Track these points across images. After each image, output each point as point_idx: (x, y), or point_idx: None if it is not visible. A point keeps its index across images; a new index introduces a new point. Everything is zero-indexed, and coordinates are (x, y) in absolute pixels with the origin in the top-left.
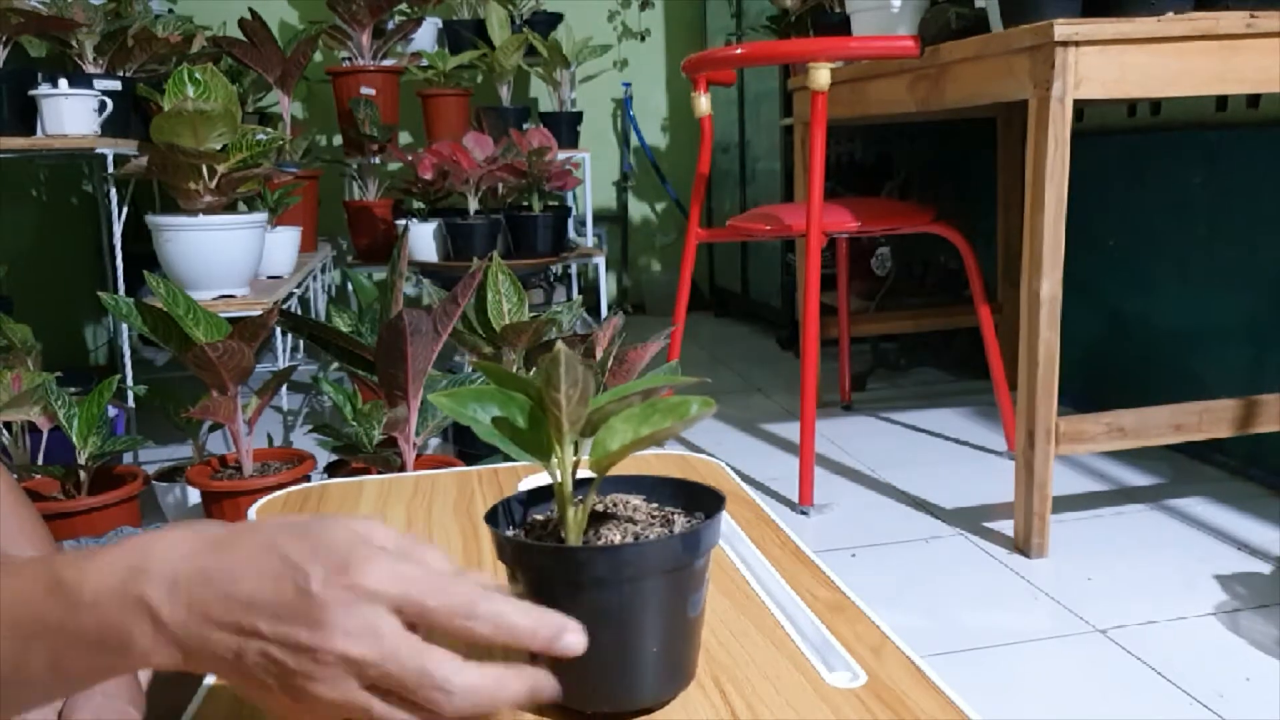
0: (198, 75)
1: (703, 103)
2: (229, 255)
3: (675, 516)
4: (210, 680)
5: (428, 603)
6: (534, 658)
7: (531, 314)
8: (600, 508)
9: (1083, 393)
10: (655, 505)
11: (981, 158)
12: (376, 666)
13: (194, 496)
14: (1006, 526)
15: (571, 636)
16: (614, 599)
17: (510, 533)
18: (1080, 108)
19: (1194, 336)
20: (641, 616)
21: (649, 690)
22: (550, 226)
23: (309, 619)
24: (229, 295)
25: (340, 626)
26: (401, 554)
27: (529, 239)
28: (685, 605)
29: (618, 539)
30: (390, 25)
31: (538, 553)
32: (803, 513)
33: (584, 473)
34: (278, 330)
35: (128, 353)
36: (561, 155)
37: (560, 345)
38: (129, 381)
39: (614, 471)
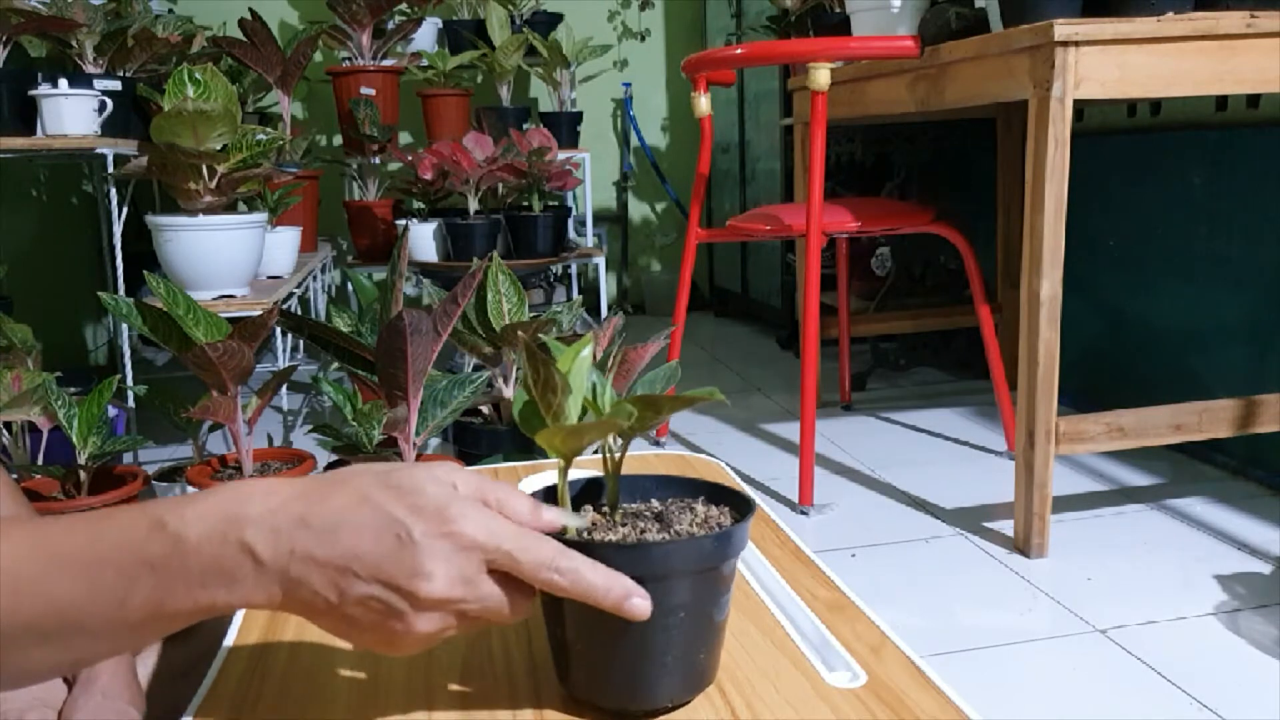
0: (198, 75)
1: (703, 103)
2: (229, 255)
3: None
4: (210, 680)
5: (517, 556)
6: (559, 652)
7: (531, 314)
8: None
9: (1082, 393)
10: (693, 503)
11: (981, 158)
12: (469, 605)
13: None
14: (1006, 526)
15: (639, 599)
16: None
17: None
18: (1080, 108)
19: (1194, 336)
20: (669, 617)
21: (669, 691)
22: (550, 226)
23: (411, 566)
24: (229, 295)
25: (440, 573)
26: (487, 503)
27: (529, 239)
28: (714, 607)
29: (655, 534)
30: (390, 25)
31: (595, 548)
32: (803, 513)
33: (586, 473)
34: (278, 330)
35: (128, 353)
36: (561, 155)
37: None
38: (129, 381)
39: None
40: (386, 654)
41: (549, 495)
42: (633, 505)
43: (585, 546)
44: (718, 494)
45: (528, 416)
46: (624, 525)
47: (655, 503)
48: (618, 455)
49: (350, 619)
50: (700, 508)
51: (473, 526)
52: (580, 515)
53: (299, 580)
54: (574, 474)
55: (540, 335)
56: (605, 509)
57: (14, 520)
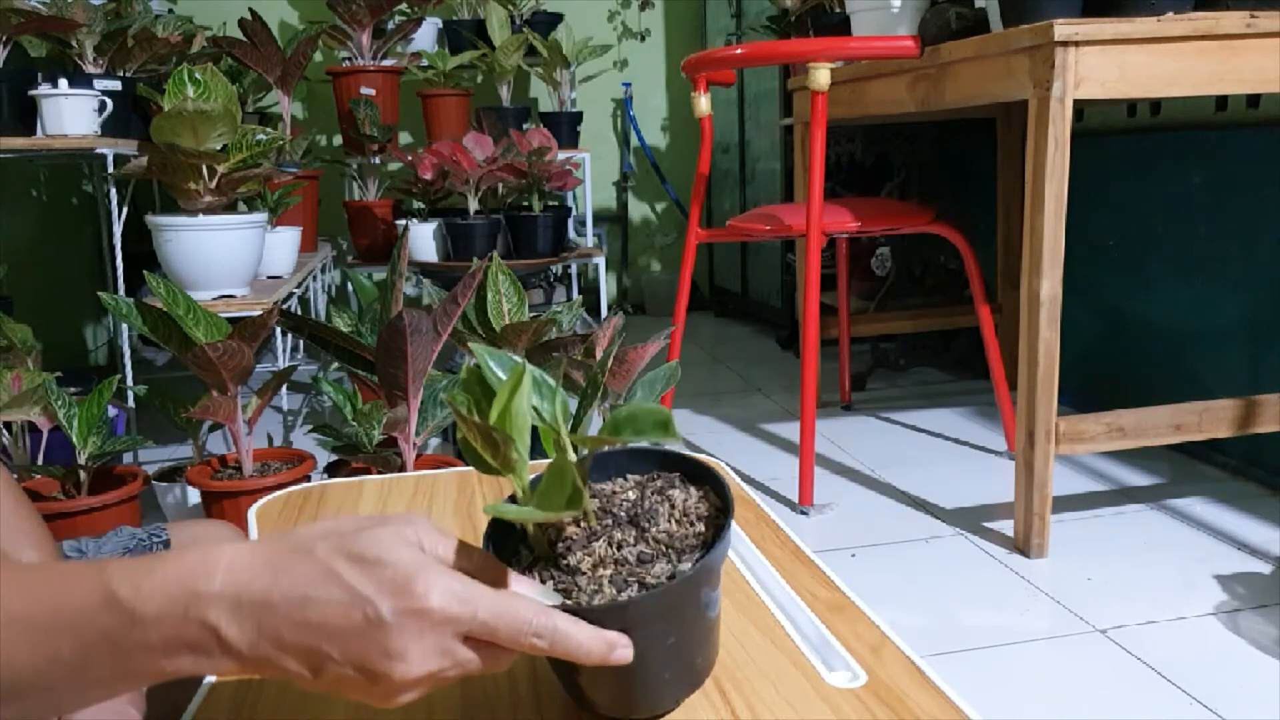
0: (198, 75)
1: (703, 103)
2: (229, 255)
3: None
4: (210, 680)
5: (493, 625)
6: (557, 666)
7: (531, 314)
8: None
9: (1082, 393)
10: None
11: (981, 158)
12: (449, 672)
13: (194, 496)
14: (1006, 526)
15: (622, 651)
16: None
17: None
18: (1080, 108)
19: (1194, 336)
20: (658, 648)
21: (672, 696)
22: (550, 226)
23: (381, 647)
24: (229, 295)
25: (413, 652)
26: (460, 569)
27: (529, 239)
28: (704, 616)
29: (632, 565)
30: (390, 25)
31: (573, 612)
32: (803, 513)
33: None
34: (278, 330)
35: (128, 353)
36: (561, 155)
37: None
38: (129, 381)
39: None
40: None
41: (503, 540)
42: (605, 486)
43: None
44: (692, 472)
45: (475, 460)
46: (597, 540)
47: (629, 490)
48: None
49: (332, 685)
50: (677, 494)
51: (442, 599)
52: (553, 594)
53: (269, 660)
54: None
55: (467, 367)
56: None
57: None
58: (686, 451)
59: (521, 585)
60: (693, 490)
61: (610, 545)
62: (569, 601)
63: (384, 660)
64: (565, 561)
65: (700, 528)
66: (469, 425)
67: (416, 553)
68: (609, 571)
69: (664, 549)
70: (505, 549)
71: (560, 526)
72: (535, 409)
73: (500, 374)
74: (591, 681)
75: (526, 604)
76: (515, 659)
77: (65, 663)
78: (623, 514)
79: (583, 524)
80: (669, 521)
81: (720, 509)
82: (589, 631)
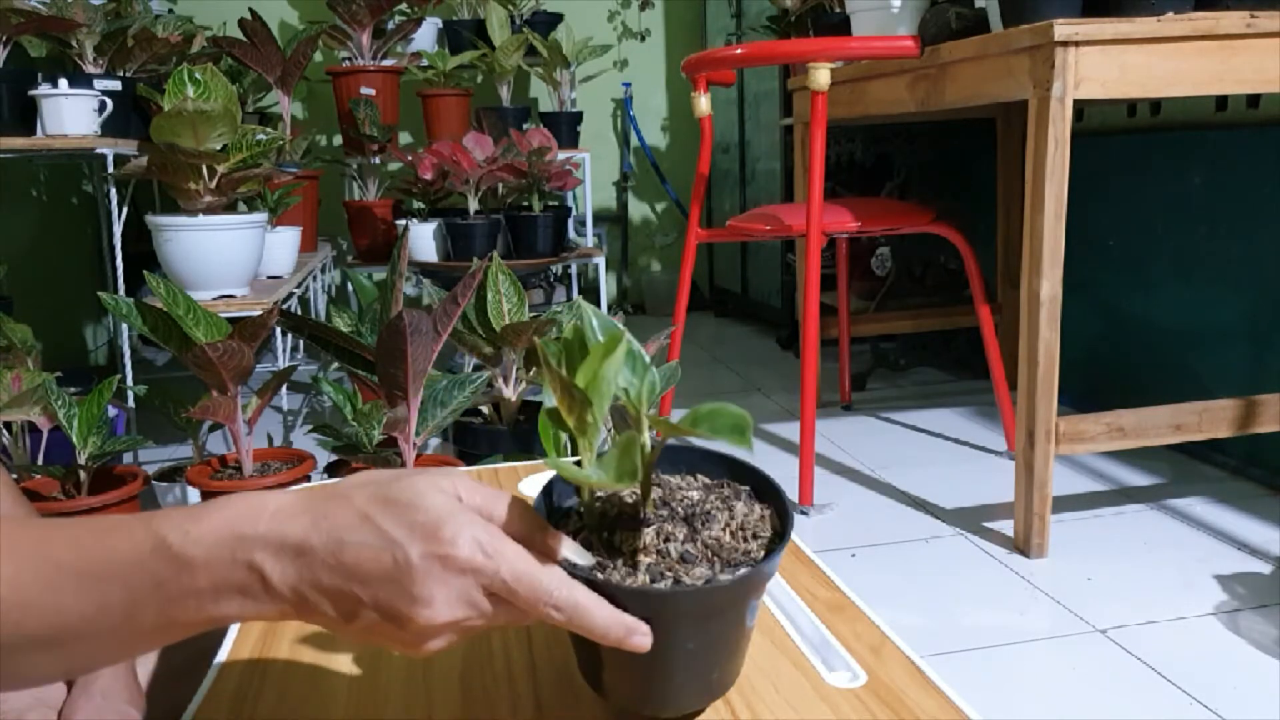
0: (198, 75)
1: (703, 103)
2: (229, 255)
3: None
4: (210, 680)
5: (513, 587)
6: (578, 646)
7: (531, 314)
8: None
9: (1082, 393)
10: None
11: (981, 158)
12: (475, 620)
13: (194, 496)
14: (1006, 526)
15: (639, 638)
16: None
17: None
18: (1080, 108)
19: (1194, 336)
20: (677, 650)
21: (676, 700)
22: (550, 226)
23: (408, 591)
24: (229, 295)
25: (437, 597)
26: (491, 517)
27: (529, 239)
28: (731, 625)
29: (677, 551)
30: (390, 25)
31: (598, 585)
32: (803, 513)
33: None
34: (278, 330)
35: (128, 353)
36: (561, 155)
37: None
38: (129, 381)
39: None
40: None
41: (555, 505)
42: (672, 479)
43: (588, 582)
44: (762, 489)
45: (547, 423)
46: (648, 527)
47: (695, 490)
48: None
49: (364, 633)
50: (740, 507)
51: (468, 549)
52: (588, 554)
53: (307, 602)
54: (543, 477)
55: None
56: (635, 496)
57: (17, 525)
58: (760, 469)
59: (558, 541)
60: (757, 507)
61: (659, 536)
62: (600, 575)
63: (410, 605)
64: (610, 538)
65: (752, 546)
66: (554, 378)
67: (450, 500)
68: (649, 560)
69: (710, 555)
70: (556, 513)
71: (617, 503)
72: (624, 389)
73: (599, 336)
74: (607, 662)
75: (550, 574)
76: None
77: (114, 609)
78: (680, 510)
79: (641, 509)
80: (724, 531)
81: (779, 533)
82: (609, 611)
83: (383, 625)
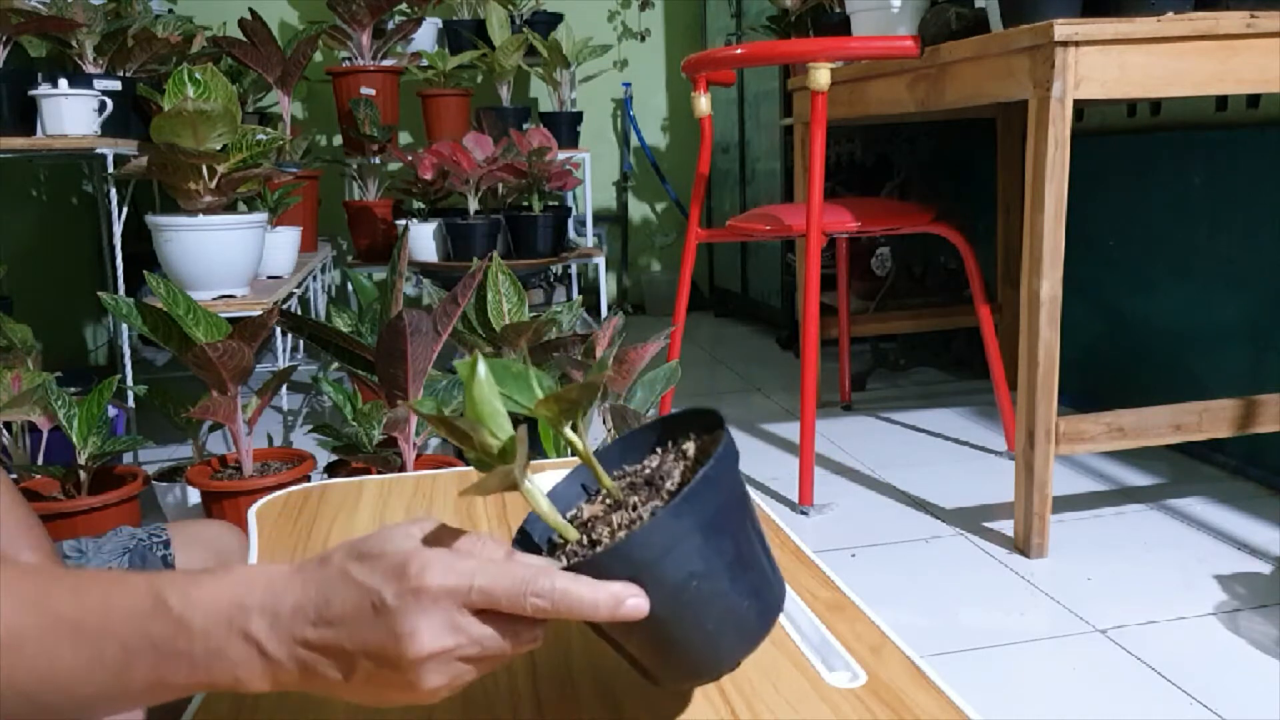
0: (198, 75)
1: (703, 103)
2: (229, 255)
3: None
4: None
5: (489, 589)
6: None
7: (531, 314)
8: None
9: (1082, 393)
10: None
11: (981, 158)
12: (466, 649)
13: (194, 496)
14: (1006, 526)
15: (632, 601)
16: (664, 580)
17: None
18: (1080, 108)
19: (1194, 336)
20: (683, 594)
21: (723, 647)
22: (550, 226)
23: (393, 631)
24: (229, 295)
25: (420, 628)
26: (455, 548)
27: (529, 239)
28: (719, 535)
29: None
30: (390, 25)
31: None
32: (803, 513)
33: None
34: (278, 330)
35: (128, 353)
36: (561, 155)
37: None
38: (129, 381)
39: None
40: (423, 704)
41: (526, 541)
42: (634, 467)
43: (566, 570)
44: (710, 423)
45: (472, 462)
46: (617, 511)
47: (655, 459)
48: (582, 445)
49: (366, 685)
50: (691, 446)
51: (437, 575)
52: (553, 559)
53: (305, 665)
54: (560, 475)
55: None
56: (601, 494)
57: (18, 571)
58: (697, 406)
59: (526, 559)
60: (707, 438)
61: (627, 510)
62: (564, 562)
63: (397, 643)
64: (588, 539)
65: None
66: (436, 424)
67: (414, 541)
68: (624, 533)
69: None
70: (530, 546)
71: (589, 511)
72: (509, 397)
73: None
74: (637, 646)
75: (524, 566)
76: (542, 632)
77: (107, 666)
78: (641, 480)
79: (608, 501)
80: (683, 475)
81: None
82: (591, 584)
83: (380, 672)
